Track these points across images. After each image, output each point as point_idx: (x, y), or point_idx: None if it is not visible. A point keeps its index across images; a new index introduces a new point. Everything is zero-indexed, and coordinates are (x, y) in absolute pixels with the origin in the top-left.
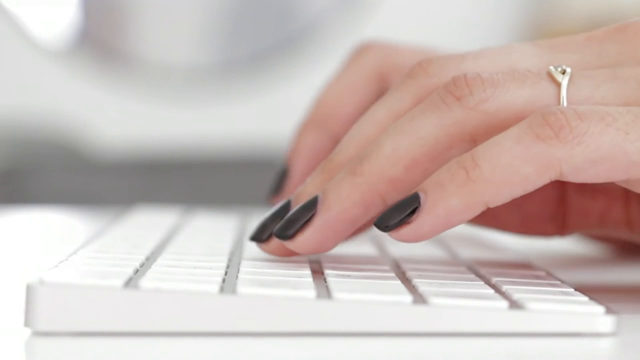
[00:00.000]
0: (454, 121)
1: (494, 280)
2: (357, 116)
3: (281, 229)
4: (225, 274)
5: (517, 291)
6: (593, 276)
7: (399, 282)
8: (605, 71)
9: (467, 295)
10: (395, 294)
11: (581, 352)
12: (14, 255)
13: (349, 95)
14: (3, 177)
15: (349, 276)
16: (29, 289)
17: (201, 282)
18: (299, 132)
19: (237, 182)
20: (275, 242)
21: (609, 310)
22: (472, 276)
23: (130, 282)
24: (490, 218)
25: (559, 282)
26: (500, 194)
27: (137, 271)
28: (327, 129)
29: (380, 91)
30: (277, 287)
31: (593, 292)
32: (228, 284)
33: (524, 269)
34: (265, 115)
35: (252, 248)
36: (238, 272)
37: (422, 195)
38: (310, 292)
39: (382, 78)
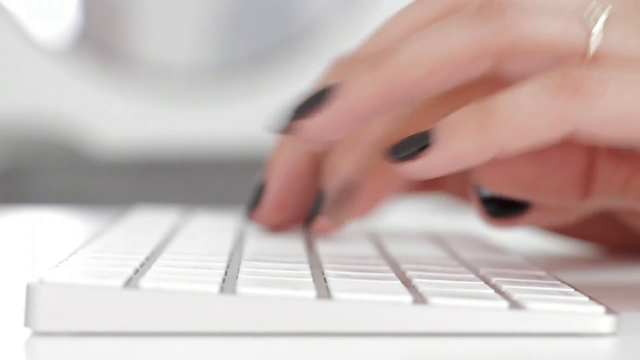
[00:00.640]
0: (481, 37)
1: (494, 280)
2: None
3: (297, 109)
4: (225, 274)
5: (517, 291)
6: (593, 276)
7: (399, 282)
8: None
9: (467, 295)
10: (395, 294)
11: (581, 352)
12: (14, 255)
13: None
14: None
15: (349, 276)
16: (29, 289)
17: (201, 282)
18: (277, 145)
19: (237, 182)
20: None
21: (609, 310)
22: (472, 276)
23: (130, 282)
24: (509, 173)
25: (559, 282)
26: (513, 143)
27: (137, 271)
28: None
29: None
30: (277, 287)
31: (593, 292)
32: (228, 284)
33: (524, 269)
34: (265, 116)
35: (252, 248)
36: (238, 272)
37: (435, 132)
38: (310, 292)
39: None
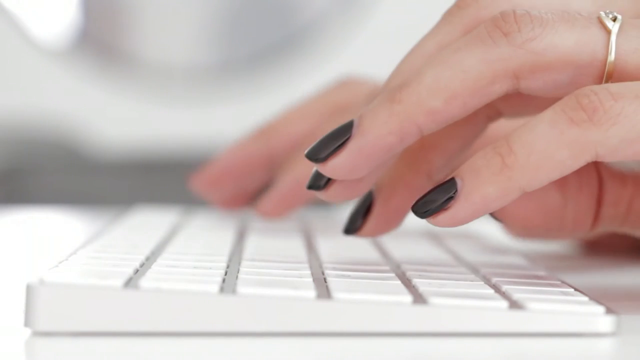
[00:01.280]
0: (498, 57)
1: (494, 280)
2: (301, 138)
3: (313, 151)
4: (225, 274)
5: (517, 291)
6: (593, 276)
7: (399, 282)
8: None
9: (467, 295)
10: (395, 294)
11: (581, 352)
12: (14, 255)
13: (301, 119)
14: (3, 177)
15: (349, 276)
16: (29, 289)
17: (201, 282)
18: (241, 138)
19: None
20: (333, 188)
21: (609, 310)
22: (472, 276)
23: (130, 282)
24: (535, 205)
25: (559, 282)
26: (536, 179)
27: (137, 271)
28: (266, 143)
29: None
30: (277, 287)
31: (593, 292)
32: (228, 284)
33: (524, 269)
34: (265, 116)
35: (252, 248)
36: (238, 272)
37: (459, 182)
38: (310, 292)
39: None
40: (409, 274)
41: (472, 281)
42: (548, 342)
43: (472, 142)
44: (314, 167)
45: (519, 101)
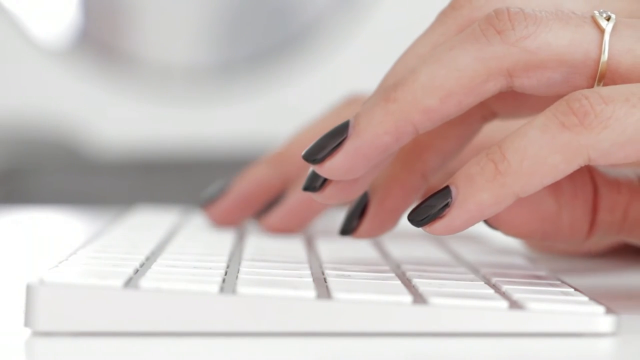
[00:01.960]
0: (492, 55)
1: (494, 280)
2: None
3: (310, 153)
4: (225, 274)
5: (517, 291)
6: (593, 276)
7: (399, 282)
8: None
9: (467, 295)
10: (395, 294)
11: (581, 352)
12: (14, 255)
13: (312, 141)
14: (3, 177)
15: (349, 276)
16: (29, 289)
17: (201, 282)
18: (254, 164)
19: None
20: (328, 188)
21: (609, 310)
22: (472, 276)
23: (130, 282)
24: (530, 211)
25: (559, 282)
26: (529, 185)
27: (137, 271)
28: (280, 169)
29: None
30: (277, 287)
31: (593, 292)
32: (228, 284)
33: (524, 269)
34: (265, 115)
35: (252, 248)
36: (238, 272)
37: (453, 190)
38: (310, 292)
39: None
40: (409, 274)
41: (472, 281)
42: (548, 342)
43: (466, 143)
44: (310, 169)
45: (513, 101)
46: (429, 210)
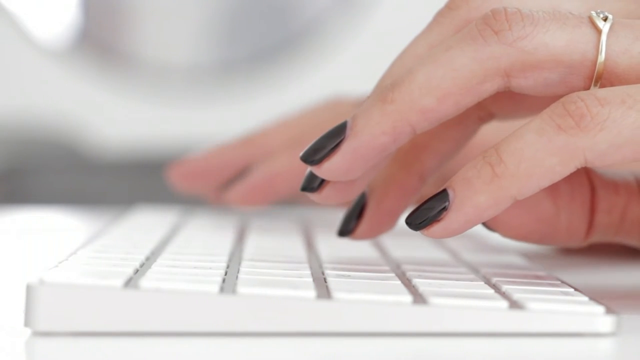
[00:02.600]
0: (489, 56)
1: (494, 280)
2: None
3: (308, 154)
4: (225, 274)
5: (517, 291)
6: (593, 276)
7: (399, 282)
8: None
9: (467, 295)
10: (395, 294)
11: (581, 352)
12: (14, 255)
13: (281, 133)
14: (3, 177)
15: (349, 276)
16: (29, 289)
17: (201, 282)
18: (223, 142)
19: None
20: (326, 189)
21: (609, 310)
22: (472, 276)
23: (130, 282)
24: (528, 212)
25: (559, 282)
26: (526, 187)
27: (137, 271)
28: (246, 150)
29: None
30: (277, 287)
31: (593, 292)
32: (228, 284)
33: (524, 269)
34: (265, 116)
35: (252, 248)
36: (238, 272)
37: (450, 193)
38: (310, 292)
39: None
40: (409, 274)
41: (472, 281)
42: (548, 342)
43: (464, 144)
44: (308, 169)
45: (510, 102)
46: (427, 213)
